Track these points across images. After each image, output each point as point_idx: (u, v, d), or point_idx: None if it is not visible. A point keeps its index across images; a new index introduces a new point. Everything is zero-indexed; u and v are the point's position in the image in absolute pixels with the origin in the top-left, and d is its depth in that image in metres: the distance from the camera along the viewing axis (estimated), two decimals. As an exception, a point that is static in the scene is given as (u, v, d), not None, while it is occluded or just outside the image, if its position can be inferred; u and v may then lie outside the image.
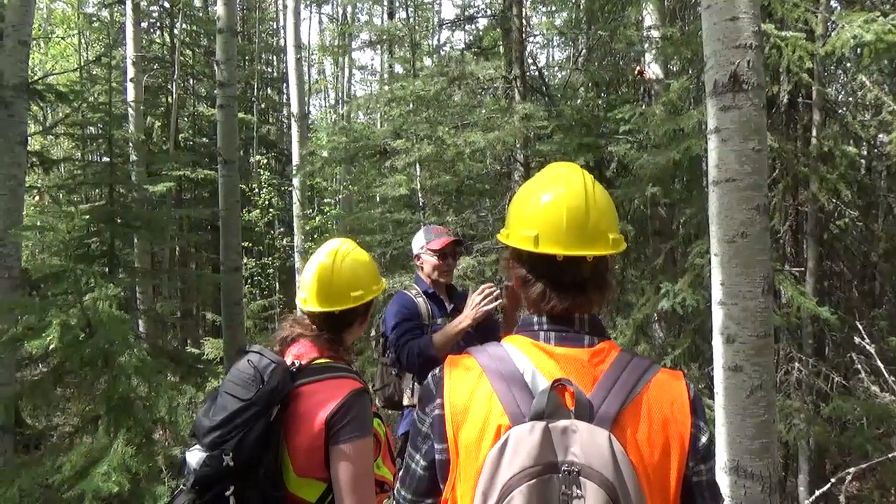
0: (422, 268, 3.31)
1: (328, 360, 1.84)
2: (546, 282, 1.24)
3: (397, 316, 3.12)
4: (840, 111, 5.36)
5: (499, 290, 2.95)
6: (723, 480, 2.60)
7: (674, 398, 1.17)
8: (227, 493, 1.63)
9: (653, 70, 6.01)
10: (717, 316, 2.63)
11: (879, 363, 3.93)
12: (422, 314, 3.16)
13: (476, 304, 2.93)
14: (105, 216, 6.11)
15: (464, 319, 2.94)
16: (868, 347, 3.81)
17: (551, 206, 1.24)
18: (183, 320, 12.22)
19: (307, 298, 1.92)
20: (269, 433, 1.67)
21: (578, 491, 1.04)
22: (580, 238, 1.21)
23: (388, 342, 3.12)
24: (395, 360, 3.06)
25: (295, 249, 10.97)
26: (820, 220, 4.91)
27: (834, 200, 4.64)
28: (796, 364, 4.40)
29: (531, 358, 1.19)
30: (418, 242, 3.31)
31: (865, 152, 6.01)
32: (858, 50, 3.79)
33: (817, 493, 3.65)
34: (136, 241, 8.76)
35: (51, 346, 3.50)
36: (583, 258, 1.21)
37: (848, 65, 5.26)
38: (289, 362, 1.80)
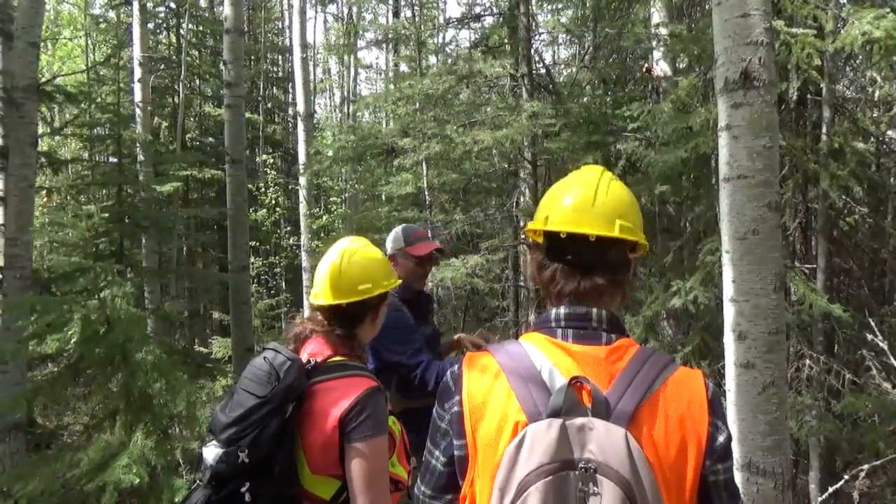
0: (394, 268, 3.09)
1: (343, 359, 1.84)
2: (556, 264, 1.27)
3: (394, 327, 2.80)
4: (851, 108, 5.33)
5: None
6: (735, 477, 2.59)
7: (692, 396, 1.17)
8: (243, 489, 1.65)
9: (661, 67, 5.99)
10: (729, 313, 2.62)
11: (892, 359, 3.91)
12: (412, 322, 2.98)
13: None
14: (114, 216, 6.16)
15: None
16: (881, 344, 3.80)
17: (564, 192, 1.30)
18: (191, 320, 12.26)
19: (317, 293, 1.95)
20: (283, 430, 1.69)
21: (595, 488, 1.05)
22: (584, 218, 1.24)
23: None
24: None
25: (302, 248, 11.00)
26: (830, 217, 4.88)
27: (844, 197, 4.62)
28: (807, 361, 4.38)
29: (549, 355, 1.20)
30: (395, 243, 3.06)
31: (875, 148, 5.97)
32: (868, 46, 3.78)
33: (830, 489, 3.64)
34: (143, 240, 8.80)
35: (72, 341, 3.53)
36: (586, 238, 1.22)
37: (858, 61, 5.24)
38: (304, 360, 1.81)
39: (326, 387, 1.76)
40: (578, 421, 1.09)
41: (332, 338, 1.89)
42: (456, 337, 3.30)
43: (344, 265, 1.93)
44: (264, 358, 1.75)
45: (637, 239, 1.28)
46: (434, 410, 1.31)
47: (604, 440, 1.07)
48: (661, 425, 1.13)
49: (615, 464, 1.05)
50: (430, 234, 3.21)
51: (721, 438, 1.18)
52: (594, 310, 1.24)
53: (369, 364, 2.94)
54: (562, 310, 1.25)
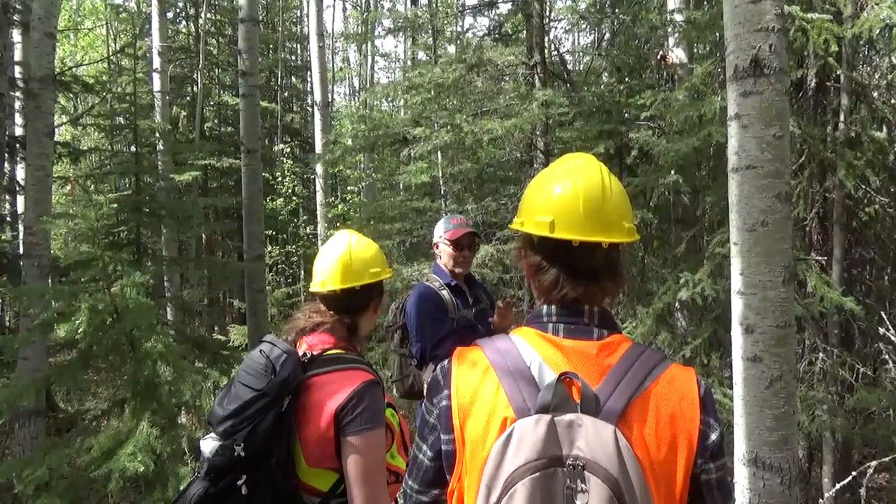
0: (440, 257, 3.35)
1: (340, 351, 1.84)
2: (560, 269, 1.23)
3: (425, 314, 3.11)
4: (873, 94, 5.18)
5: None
6: (741, 472, 2.56)
7: (683, 394, 1.15)
8: (240, 482, 1.65)
9: (676, 54, 5.88)
10: (736, 306, 2.57)
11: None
12: (448, 308, 3.17)
13: (504, 317, 3.15)
14: (131, 205, 6.23)
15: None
16: (894, 338, 3.71)
17: (568, 193, 1.22)
18: (210, 307, 12.41)
19: (325, 281, 1.95)
20: (280, 424, 1.69)
21: (583, 485, 1.04)
22: (596, 224, 1.20)
23: (423, 345, 3.10)
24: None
25: (318, 237, 11.04)
26: (848, 207, 4.77)
27: (863, 187, 4.51)
28: (821, 354, 4.30)
29: (539, 350, 1.18)
30: (438, 231, 3.35)
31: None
32: (887, 31, 3.68)
33: (838, 485, 3.59)
34: (163, 229, 8.90)
35: (79, 330, 3.59)
36: (598, 245, 1.19)
37: (879, 47, 5.09)
38: (301, 352, 1.81)
39: (322, 380, 1.76)
40: (567, 417, 1.08)
41: (336, 329, 1.89)
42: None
43: (353, 250, 1.97)
44: (260, 351, 1.75)
45: (637, 237, 1.26)
46: (423, 405, 1.31)
47: (592, 437, 1.06)
48: (651, 423, 1.11)
49: (603, 461, 1.04)
50: (467, 222, 3.40)
51: (713, 436, 1.16)
52: (586, 306, 1.22)
53: (415, 346, 3.13)
54: (554, 306, 1.23)
